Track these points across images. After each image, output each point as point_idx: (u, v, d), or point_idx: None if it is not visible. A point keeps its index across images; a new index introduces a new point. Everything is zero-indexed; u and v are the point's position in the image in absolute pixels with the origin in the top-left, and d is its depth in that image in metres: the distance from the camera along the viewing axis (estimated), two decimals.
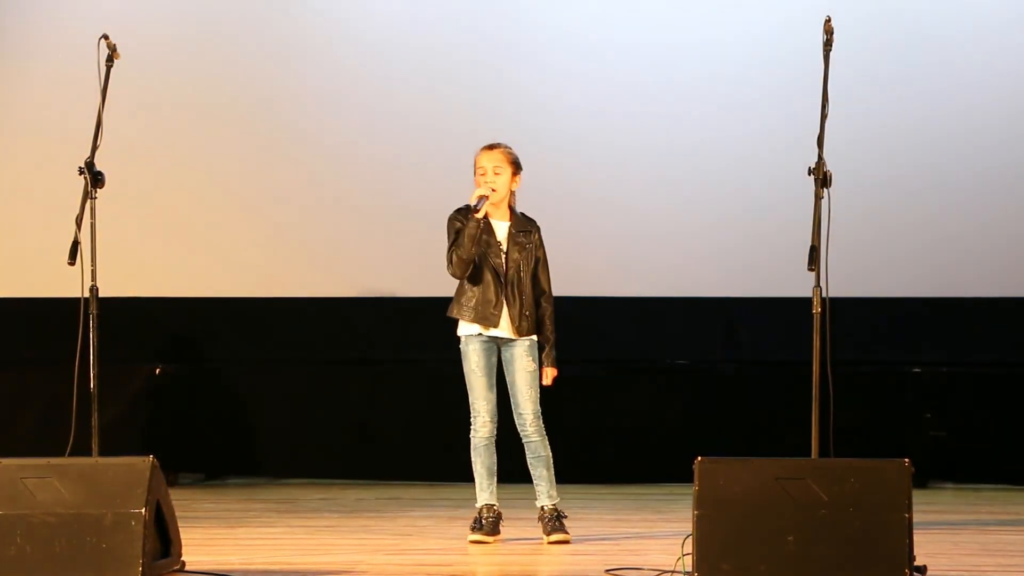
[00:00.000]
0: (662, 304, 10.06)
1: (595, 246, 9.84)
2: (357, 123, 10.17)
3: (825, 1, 7.17)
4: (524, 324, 7.33)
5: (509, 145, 7.40)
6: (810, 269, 6.11)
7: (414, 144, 10.11)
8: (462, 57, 10.09)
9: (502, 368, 7.40)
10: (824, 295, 6.15)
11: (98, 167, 6.45)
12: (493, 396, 7.37)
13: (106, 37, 6.58)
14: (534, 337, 7.37)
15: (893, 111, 9.90)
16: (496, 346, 7.38)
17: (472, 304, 7.34)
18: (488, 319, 7.32)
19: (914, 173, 9.92)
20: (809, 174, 6.20)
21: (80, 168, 6.44)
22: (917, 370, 9.94)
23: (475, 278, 7.34)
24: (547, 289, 7.41)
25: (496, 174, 7.34)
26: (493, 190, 7.28)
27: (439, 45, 10.11)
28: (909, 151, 9.92)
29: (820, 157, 6.20)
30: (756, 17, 9.97)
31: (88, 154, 6.45)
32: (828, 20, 6.35)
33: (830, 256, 6.16)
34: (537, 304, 7.38)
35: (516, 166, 7.38)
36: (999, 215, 9.89)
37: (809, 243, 6.12)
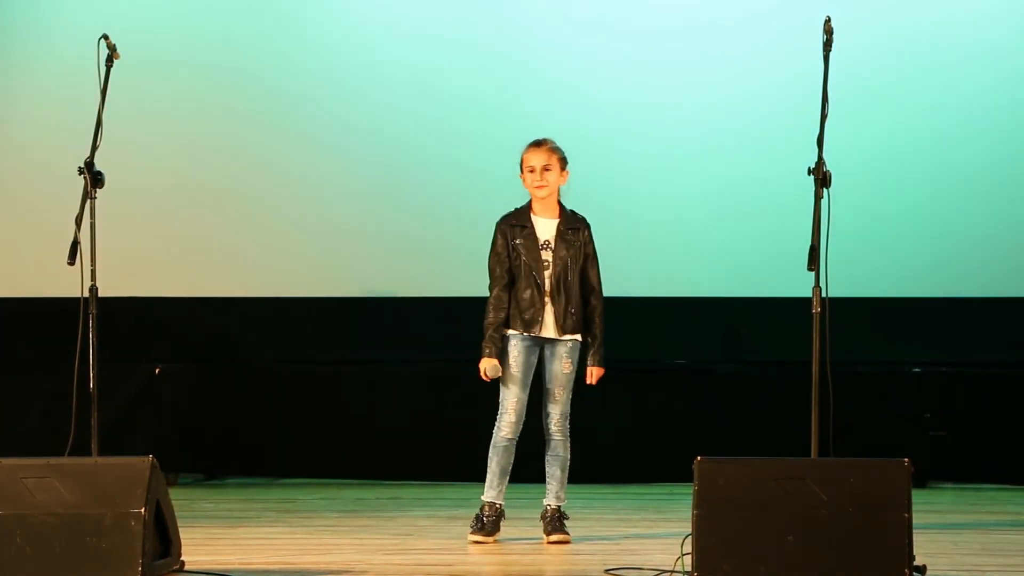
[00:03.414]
0: (662, 304, 10.06)
1: (595, 246, 9.83)
2: (358, 122, 10.16)
3: (825, 1, 7.17)
4: (569, 322, 7.31)
5: (553, 140, 7.41)
6: (810, 269, 6.12)
7: (416, 144, 10.11)
8: (464, 57, 10.09)
9: (540, 370, 7.39)
10: (824, 295, 6.16)
11: (98, 167, 6.46)
12: (524, 396, 7.35)
13: (106, 37, 6.58)
14: (578, 338, 7.35)
15: (893, 111, 9.90)
16: (539, 346, 7.36)
17: (516, 313, 7.32)
18: (531, 325, 7.31)
19: (914, 173, 9.92)
20: (809, 174, 6.20)
21: (80, 168, 6.44)
22: (917, 370, 9.94)
23: (517, 290, 7.33)
24: (596, 286, 7.38)
25: (546, 171, 7.34)
26: (489, 377, 7.32)
27: (443, 44, 10.11)
28: (909, 151, 9.91)
29: (820, 157, 6.21)
30: (756, 17, 9.96)
31: (88, 154, 6.45)
32: (828, 20, 6.35)
33: (830, 256, 6.16)
34: (586, 302, 7.37)
35: (564, 161, 7.40)
36: (999, 215, 9.89)
37: (809, 243, 6.13)
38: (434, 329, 10.12)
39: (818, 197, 6.18)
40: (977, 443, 9.87)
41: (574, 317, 7.33)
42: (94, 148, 6.47)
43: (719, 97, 9.96)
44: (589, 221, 7.46)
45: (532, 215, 7.38)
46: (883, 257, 9.88)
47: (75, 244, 6.31)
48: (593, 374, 7.38)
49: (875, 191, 9.83)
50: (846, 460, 5.90)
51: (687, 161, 9.98)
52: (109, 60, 6.59)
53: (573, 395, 7.43)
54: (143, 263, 10.13)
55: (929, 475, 9.77)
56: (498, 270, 7.38)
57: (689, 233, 9.99)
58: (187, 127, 10.21)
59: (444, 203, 10.04)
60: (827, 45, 6.31)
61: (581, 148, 9.89)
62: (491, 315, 7.35)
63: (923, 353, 9.98)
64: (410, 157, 10.12)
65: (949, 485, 9.89)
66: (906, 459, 5.82)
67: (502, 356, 7.34)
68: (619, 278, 9.92)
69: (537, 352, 7.36)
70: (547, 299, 7.31)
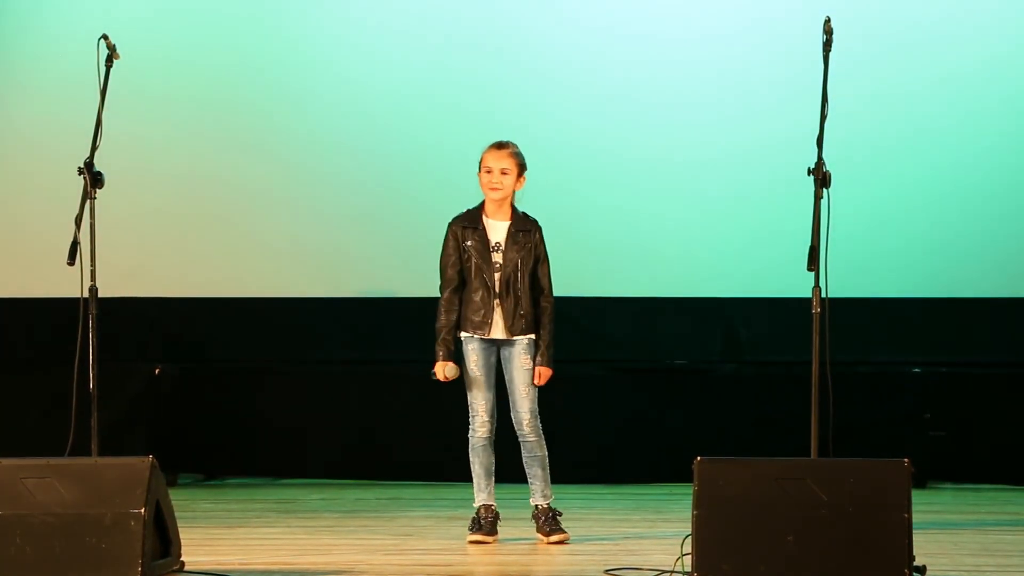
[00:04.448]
0: (662, 304, 10.06)
1: (595, 246, 9.84)
2: (358, 122, 10.16)
3: (825, 1, 7.17)
4: (518, 323, 7.33)
5: (516, 145, 7.42)
6: (810, 269, 6.12)
7: (415, 144, 10.10)
8: (463, 58, 10.09)
9: (501, 368, 7.42)
10: (824, 295, 6.16)
11: (98, 167, 6.46)
12: (491, 396, 7.38)
13: (106, 37, 6.59)
14: (533, 336, 7.37)
15: (893, 111, 9.90)
16: (495, 347, 7.39)
17: (468, 315, 7.37)
18: (481, 327, 7.34)
19: (914, 173, 9.91)
20: (809, 174, 6.21)
21: (80, 168, 6.45)
22: (917, 370, 9.94)
23: (468, 292, 7.37)
24: (546, 288, 7.40)
25: (503, 174, 7.35)
26: (447, 378, 7.35)
27: (440, 45, 10.10)
28: (909, 151, 9.91)
29: (820, 157, 6.21)
30: (755, 17, 9.96)
31: (88, 154, 6.46)
32: (828, 20, 6.35)
33: (830, 256, 6.16)
34: (536, 303, 7.39)
35: (522, 168, 7.40)
36: (999, 215, 9.89)
37: (809, 243, 6.13)
38: (433, 329, 10.11)
39: (818, 197, 6.18)
40: (977, 443, 9.87)
41: (524, 319, 7.34)
42: (94, 148, 6.48)
43: (718, 97, 9.96)
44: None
45: (484, 216, 7.40)
46: (883, 257, 9.88)
47: (75, 244, 6.31)
48: (541, 375, 7.36)
49: (875, 191, 9.83)
50: (846, 460, 5.90)
51: (687, 161, 9.97)
52: (109, 60, 6.59)
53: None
54: (143, 263, 10.12)
55: (929, 475, 9.77)
56: (449, 272, 7.42)
57: (689, 233, 9.98)
58: (187, 127, 10.20)
59: (445, 203, 10.01)
60: (827, 45, 6.32)
61: (581, 149, 9.95)
62: (442, 318, 7.42)
63: (923, 353, 9.97)
64: (411, 157, 10.11)
65: (949, 485, 9.89)
66: (906, 459, 5.82)
67: (460, 359, 7.37)
68: (619, 278, 9.97)
69: (495, 353, 7.39)
70: (496, 301, 7.33)
